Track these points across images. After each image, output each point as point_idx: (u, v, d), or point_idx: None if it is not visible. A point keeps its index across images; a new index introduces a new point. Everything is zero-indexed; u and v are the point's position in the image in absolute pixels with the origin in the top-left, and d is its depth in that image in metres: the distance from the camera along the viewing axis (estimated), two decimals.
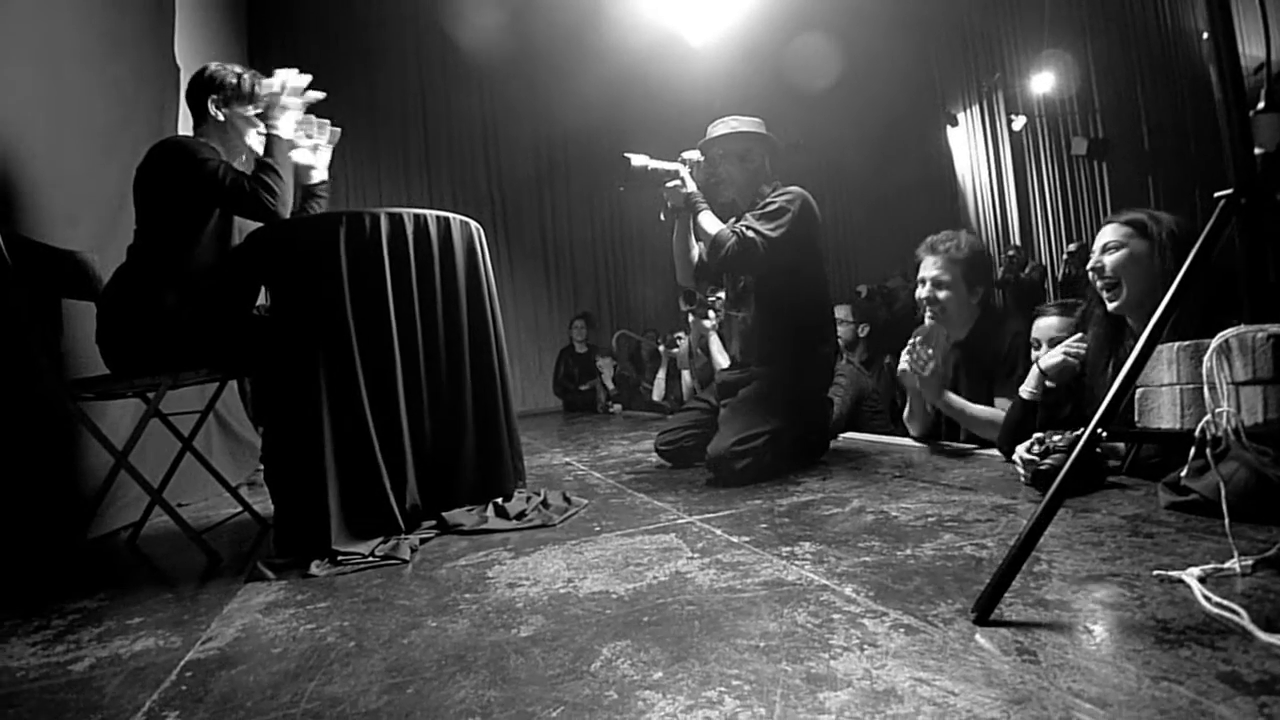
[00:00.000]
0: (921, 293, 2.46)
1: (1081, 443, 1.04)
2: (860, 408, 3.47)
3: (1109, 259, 1.84)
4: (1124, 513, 1.48)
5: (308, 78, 2.03)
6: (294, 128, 2.01)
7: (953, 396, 2.36)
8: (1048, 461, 1.69)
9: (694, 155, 2.60)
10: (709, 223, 2.49)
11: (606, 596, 1.26)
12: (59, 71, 2.35)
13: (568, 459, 3.15)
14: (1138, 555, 1.21)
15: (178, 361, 1.86)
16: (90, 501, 2.08)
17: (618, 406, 5.83)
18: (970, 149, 8.55)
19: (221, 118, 2.03)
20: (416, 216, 1.93)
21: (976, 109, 8.58)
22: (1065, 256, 6.49)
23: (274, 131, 1.95)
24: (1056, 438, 1.74)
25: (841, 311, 3.98)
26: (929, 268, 2.43)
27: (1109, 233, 1.87)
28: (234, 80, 2.04)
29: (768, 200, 2.50)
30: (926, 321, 2.45)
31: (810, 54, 5.98)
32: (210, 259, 1.98)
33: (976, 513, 1.60)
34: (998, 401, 2.29)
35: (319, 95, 2.08)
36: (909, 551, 1.36)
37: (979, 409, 2.30)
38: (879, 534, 1.50)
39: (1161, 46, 6.96)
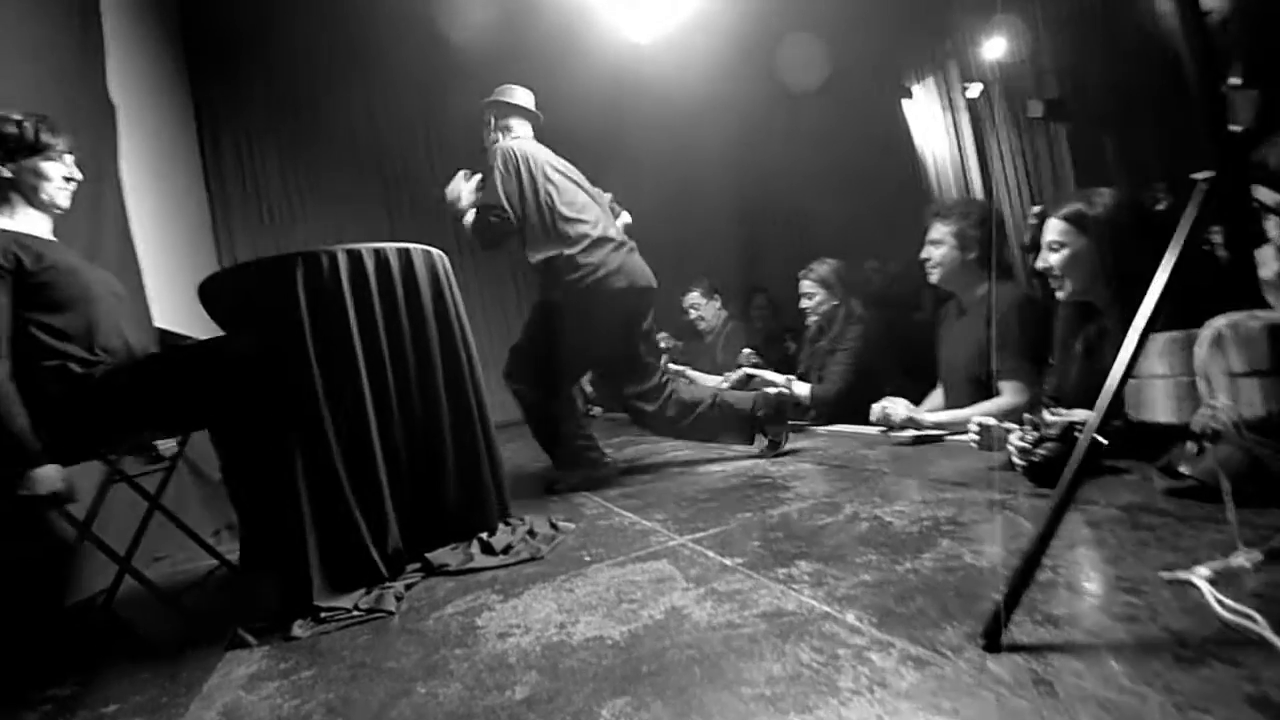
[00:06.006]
0: (924, 253, 2.64)
1: (1081, 455, 1.00)
2: (867, 382, 3.20)
3: (1054, 258, 1.95)
4: (1121, 502, 1.46)
5: None
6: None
7: (930, 415, 2.49)
8: (1040, 452, 1.66)
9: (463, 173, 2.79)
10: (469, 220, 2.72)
11: (601, 643, 1.21)
12: None
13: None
14: (1141, 553, 1.19)
15: (125, 430, 1.78)
16: (62, 570, 2.01)
17: (598, 410, 5.77)
18: (928, 120, 8.55)
19: (9, 174, 1.84)
20: (376, 251, 1.85)
21: (930, 80, 8.58)
22: (1032, 222, 6.50)
23: None
24: (1049, 420, 1.71)
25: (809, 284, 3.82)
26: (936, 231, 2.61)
27: (1052, 230, 1.97)
28: (14, 130, 1.84)
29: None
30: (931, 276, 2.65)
31: (763, 31, 5.89)
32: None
33: (972, 512, 1.57)
34: (1002, 385, 2.34)
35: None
36: (908, 565, 1.32)
37: (960, 414, 2.35)
38: (875, 545, 1.47)
39: (1108, 8, 6.99)
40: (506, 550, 1.87)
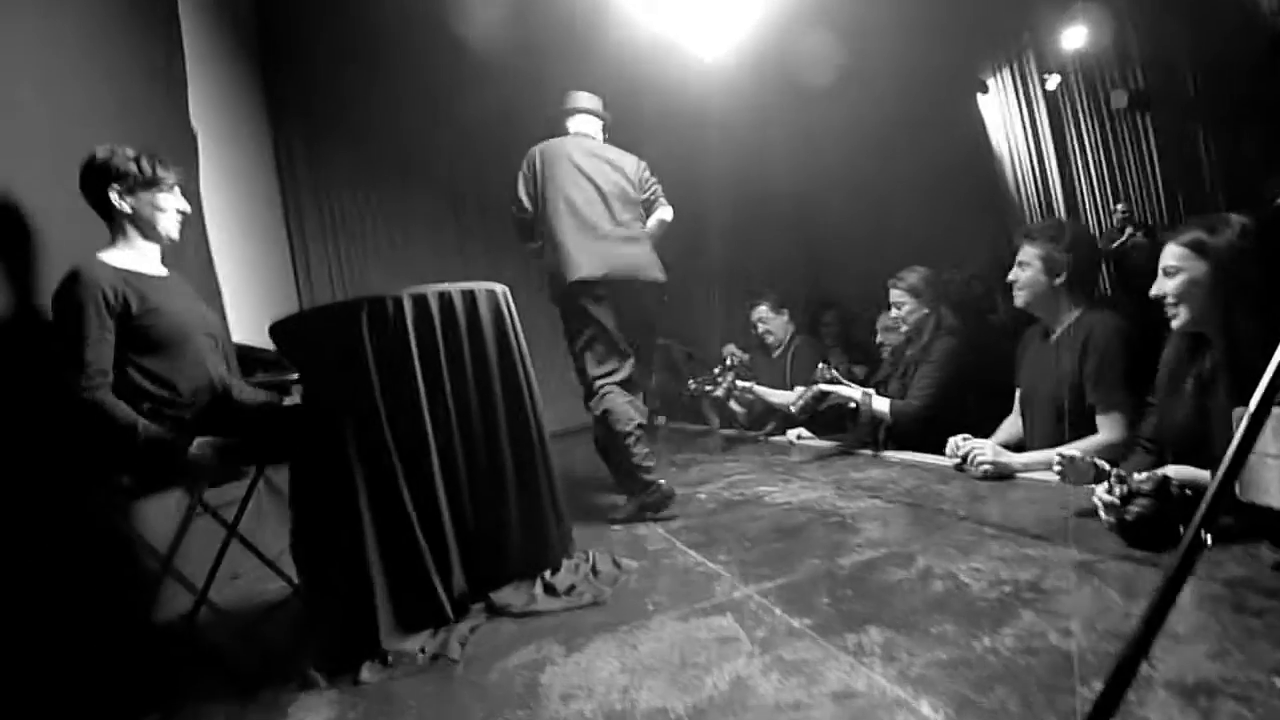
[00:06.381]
0: (1012, 274, 2.51)
1: (1183, 550, 0.93)
2: (956, 402, 2.99)
3: (1170, 284, 1.79)
4: (1224, 574, 1.35)
5: None
6: None
7: (1019, 457, 2.37)
8: (1132, 509, 1.56)
9: None
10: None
11: (665, 717, 1.19)
12: (71, 154, 2.29)
13: (612, 496, 3.07)
14: (1249, 646, 1.09)
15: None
16: (149, 587, 2.08)
17: (662, 418, 5.74)
18: (1004, 115, 8.21)
19: (129, 209, 1.92)
20: (440, 294, 1.87)
21: (1007, 72, 8.23)
22: (1121, 230, 6.09)
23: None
24: (1139, 477, 1.61)
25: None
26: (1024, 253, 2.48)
27: (1169, 255, 1.80)
28: (134, 166, 1.91)
29: None
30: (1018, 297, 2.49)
31: (826, 35, 5.74)
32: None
33: (1056, 576, 1.49)
34: (1100, 420, 2.23)
35: None
36: (986, 641, 1.25)
37: (1052, 455, 2.25)
38: (951, 611, 1.40)
39: None
40: (570, 591, 1.87)
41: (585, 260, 2.75)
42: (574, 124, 3.10)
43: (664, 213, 3.09)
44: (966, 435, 2.46)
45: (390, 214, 6.09)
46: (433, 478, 1.80)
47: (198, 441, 1.83)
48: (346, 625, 1.74)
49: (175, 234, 2.05)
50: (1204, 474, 1.62)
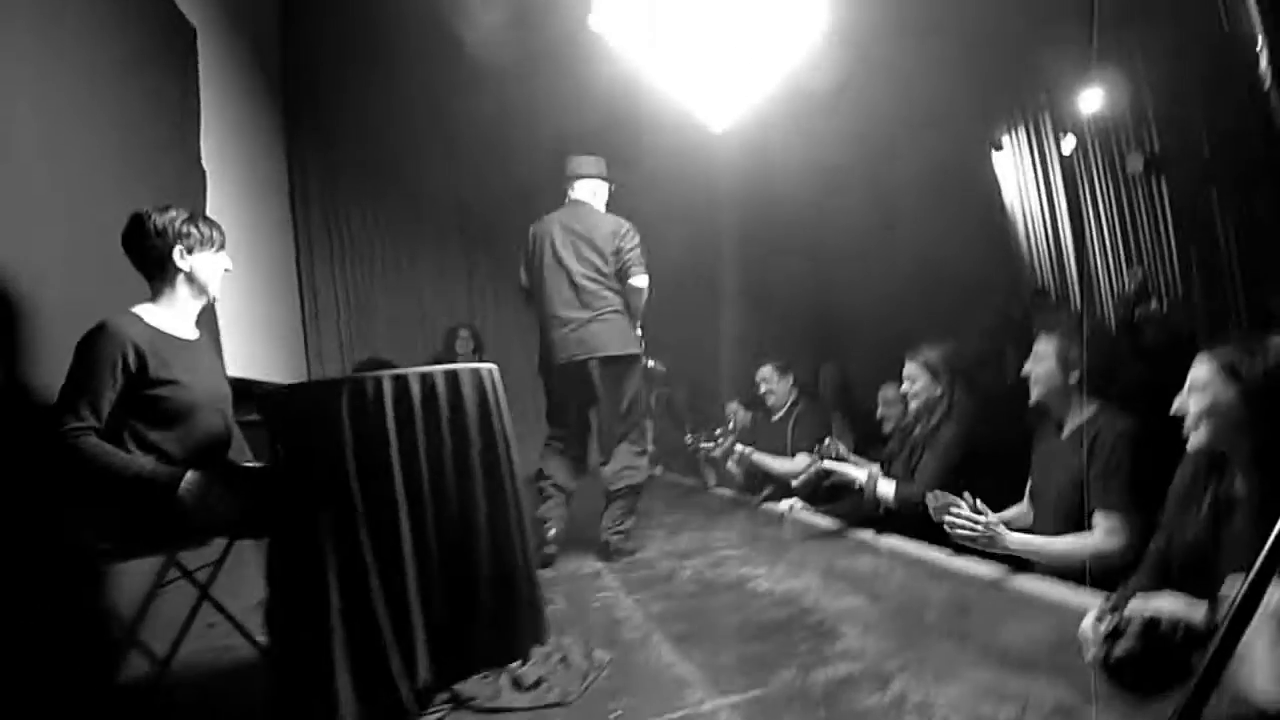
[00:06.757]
0: (1026, 367, 2.47)
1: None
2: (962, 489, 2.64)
3: (1193, 403, 1.67)
4: None
5: None
6: None
7: (1017, 537, 2.24)
8: (1118, 648, 1.50)
9: None
10: None
11: None
12: (68, 188, 2.24)
13: (599, 565, 3.02)
14: None
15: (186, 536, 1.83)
16: (118, 645, 2.04)
17: (659, 469, 5.65)
18: (1018, 176, 8.20)
19: (186, 268, 1.95)
20: (423, 376, 1.84)
21: (1023, 132, 8.22)
22: (1137, 298, 5.94)
23: None
24: (1130, 609, 1.55)
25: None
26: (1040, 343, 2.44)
27: (1198, 371, 1.68)
28: (193, 228, 1.96)
29: None
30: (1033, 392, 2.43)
31: (839, 87, 5.71)
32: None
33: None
34: (1097, 518, 2.15)
35: None
36: None
37: (1060, 546, 2.21)
38: None
39: (1215, 54, 6.54)
40: (537, 684, 1.83)
41: (553, 347, 3.13)
42: (572, 191, 3.27)
43: (636, 281, 3.17)
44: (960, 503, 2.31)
45: (398, 235, 6.16)
46: (403, 565, 1.77)
47: (188, 476, 1.81)
48: (309, 712, 1.70)
49: (219, 292, 2.09)
50: (1199, 613, 1.56)
